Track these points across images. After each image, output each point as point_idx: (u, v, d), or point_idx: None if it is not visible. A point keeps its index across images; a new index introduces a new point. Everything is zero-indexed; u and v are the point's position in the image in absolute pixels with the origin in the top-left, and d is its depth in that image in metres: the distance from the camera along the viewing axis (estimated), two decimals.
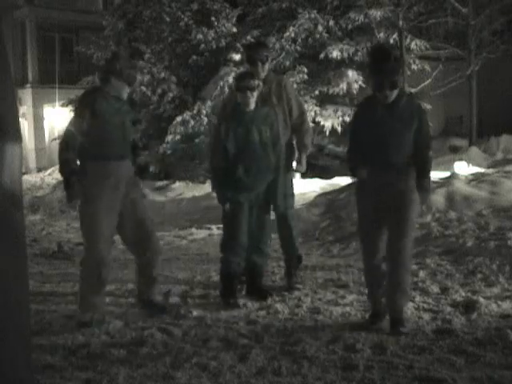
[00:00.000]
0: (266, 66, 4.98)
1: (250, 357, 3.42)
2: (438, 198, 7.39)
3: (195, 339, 3.78)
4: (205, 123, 12.48)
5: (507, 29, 16.02)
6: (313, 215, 8.05)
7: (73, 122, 4.13)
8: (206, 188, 12.79)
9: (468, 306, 4.23)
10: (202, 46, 13.06)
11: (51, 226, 10.34)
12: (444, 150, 15.92)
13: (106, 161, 4.11)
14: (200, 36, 12.99)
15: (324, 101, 13.74)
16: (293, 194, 5.08)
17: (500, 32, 15.93)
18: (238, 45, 13.00)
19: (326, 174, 13.08)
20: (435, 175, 8.85)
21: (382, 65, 3.80)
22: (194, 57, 13.29)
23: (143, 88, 12.94)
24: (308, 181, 11.51)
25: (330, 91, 13.63)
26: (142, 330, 3.98)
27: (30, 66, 22.13)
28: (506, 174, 8.26)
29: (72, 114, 4.26)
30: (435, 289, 4.79)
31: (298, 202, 8.89)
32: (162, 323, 4.12)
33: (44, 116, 22.22)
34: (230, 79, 11.76)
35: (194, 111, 12.61)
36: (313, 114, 13.20)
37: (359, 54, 13.81)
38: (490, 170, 9.82)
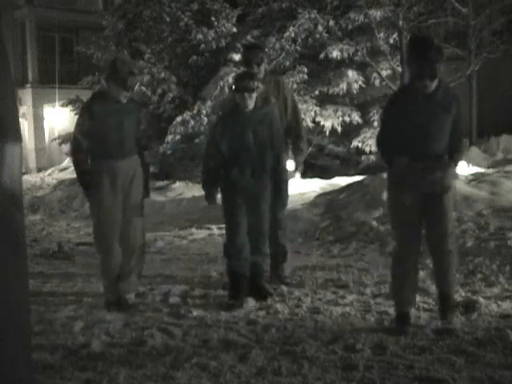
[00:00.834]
0: (262, 68, 5.08)
1: (250, 357, 3.42)
2: None
3: (195, 339, 3.78)
4: (205, 123, 12.47)
5: (507, 29, 15.99)
6: (313, 215, 8.04)
7: (76, 124, 4.52)
8: None
9: (468, 306, 4.22)
10: (202, 45, 13.06)
11: (51, 225, 10.35)
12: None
13: (105, 159, 4.45)
14: (200, 36, 12.98)
15: (324, 101, 13.73)
16: (286, 194, 5.13)
17: (500, 32, 15.90)
18: (238, 45, 12.99)
19: (325, 173, 13.08)
20: None
21: (424, 53, 3.75)
22: (194, 57, 13.28)
23: (143, 88, 12.94)
24: (308, 181, 11.51)
25: (330, 91, 13.62)
26: (142, 330, 3.98)
27: (30, 66, 22.14)
28: (506, 173, 8.26)
29: (76, 116, 4.66)
30: (435, 289, 4.78)
31: (298, 202, 8.91)
32: (161, 323, 4.12)
33: (44, 116, 22.23)
34: (230, 79, 11.75)
35: (194, 111, 12.61)
36: (313, 114, 13.20)
37: (359, 53, 13.81)
38: (490, 170, 9.82)
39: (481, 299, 4.35)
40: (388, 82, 13.73)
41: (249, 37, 13.20)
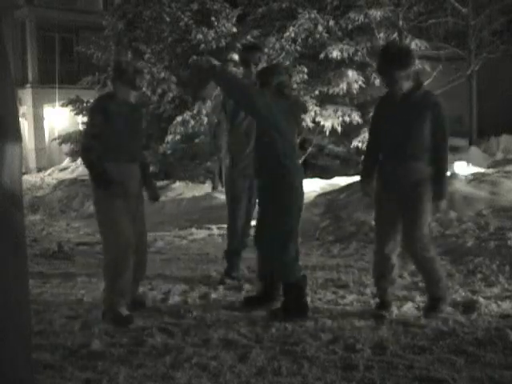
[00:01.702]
0: (259, 68, 5.08)
1: (250, 357, 3.42)
2: None
3: (195, 339, 3.78)
4: (205, 123, 12.47)
5: (507, 29, 15.99)
6: (313, 215, 8.04)
7: (88, 125, 4.34)
8: (206, 188, 12.81)
9: (468, 306, 4.23)
10: (202, 45, 13.04)
11: (51, 226, 10.35)
12: None
13: (116, 163, 4.21)
14: (200, 36, 12.97)
15: (324, 101, 13.72)
16: None
17: (500, 32, 15.91)
18: (238, 45, 12.98)
19: (325, 174, 13.08)
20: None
21: (385, 60, 4.01)
22: (194, 57, 13.26)
23: (143, 88, 12.93)
24: (308, 181, 11.50)
25: (330, 91, 13.61)
26: (142, 330, 3.98)
27: (30, 66, 22.13)
28: (506, 174, 8.26)
29: (86, 119, 4.44)
30: None
31: None
32: (161, 323, 4.12)
33: (44, 116, 22.23)
34: None
35: (194, 111, 12.61)
36: (313, 113, 13.20)
37: (359, 53, 13.80)
38: (490, 170, 9.81)
39: (481, 299, 4.36)
40: None
41: (249, 37, 13.20)
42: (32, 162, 21.62)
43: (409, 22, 14.11)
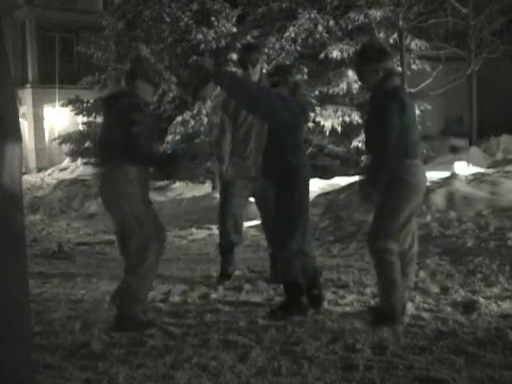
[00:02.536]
0: (257, 68, 5.07)
1: (250, 357, 3.42)
2: (437, 198, 7.39)
3: (195, 339, 3.78)
4: (205, 123, 12.48)
5: (507, 29, 16.01)
6: (313, 215, 8.03)
7: (131, 125, 3.91)
8: (206, 188, 12.81)
9: (468, 306, 4.23)
10: (202, 45, 13.05)
11: (51, 226, 10.35)
12: (444, 150, 15.92)
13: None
14: (200, 36, 12.97)
15: (324, 101, 13.72)
16: None
17: (500, 32, 15.92)
18: (238, 45, 12.98)
19: (325, 174, 13.06)
20: (435, 175, 8.87)
21: (356, 56, 4.29)
22: (194, 57, 13.26)
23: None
24: None
25: (330, 91, 13.61)
26: None
27: (30, 66, 22.14)
28: (506, 174, 8.26)
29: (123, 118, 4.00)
30: (435, 289, 4.79)
31: None
32: (161, 323, 4.12)
33: (44, 116, 22.24)
34: None
35: (194, 111, 12.61)
36: (313, 114, 13.19)
37: None
38: (490, 170, 9.81)
39: (481, 299, 4.35)
40: None
41: (249, 37, 13.20)
42: (32, 162, 21.62)
43: (409, 22, 14.11)
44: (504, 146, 15.49)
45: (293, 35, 13.39)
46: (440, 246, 6.14)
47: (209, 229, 8.59)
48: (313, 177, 11.87)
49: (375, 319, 3.94)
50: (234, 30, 13.30)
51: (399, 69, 13.59)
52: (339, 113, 13.64)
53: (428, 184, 8.15)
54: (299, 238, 4.20)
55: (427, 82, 14.77)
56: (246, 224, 7.34)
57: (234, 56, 12.96)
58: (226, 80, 4.06)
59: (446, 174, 9.07)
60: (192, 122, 12.52)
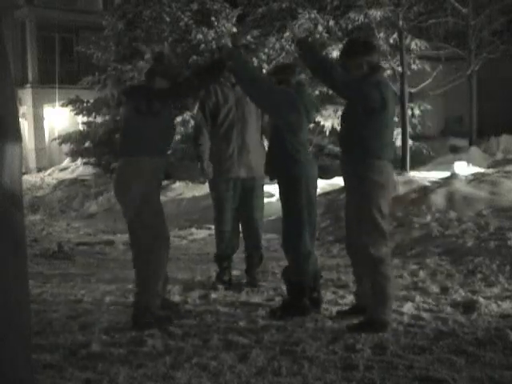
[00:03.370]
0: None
1: (250, 357, 3.42)
2: (437, 198, 7.40)
3: (195, 339, 3.78)
4: None
5: (507, 29, 16.01)
6: None
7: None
8: (206, 188, 12.77)
9: (468, 306, 4.23)
10: (202, 45, 13.05)
11: (51, 226, 10.35)
12: (444, 150, 15.93)
13: (160, 157, 4.14)
14: (200, 36, 12.98)
15: (324, 101, 13.72)
16: (262, 197, 5.24)
17: (500, 32, 15.92)
18: (238, 45, 12.98)
19: (325, 174, 13.05)
20: (435, 175, 8.88)
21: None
22: (194, 57, 13.28)
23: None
24: None
25: (330, 91, 13.60)
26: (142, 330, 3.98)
27: (30, 66, 22.12)
28: (506, 174, 8.27)
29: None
30: (435, 289, 4.79)
31: None
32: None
33: (44, 116, 22.22)
34: None
35: (194, 111, 12.60)
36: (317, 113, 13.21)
37: None
38: (490, 170, 9.82)
39: (481, 299, 4.36)
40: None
41: (249, 37, 13.20)
42: (32, 162, 21.61)
43: (409, 22, 14.09)
44: (504, 146, 15.49)
45: (293, 35, 13.39)
46: (440, 246, 6.14)
47: (209, 229, 8.57)
48: None
49: (367, 327, 3.85)
50: (234, 30, 13.31)
51: (399, 69, 13.59)
52: (339, 113, 13.60)
53: (428, 184, 8.24)
54: (307, 238, 4.21)
55: (427, 82, 14.76)
56: None
57: None
58: (244, 74, 4.06)
59: (446, 173, 9.08)
60: (192, 122, 12.51)
